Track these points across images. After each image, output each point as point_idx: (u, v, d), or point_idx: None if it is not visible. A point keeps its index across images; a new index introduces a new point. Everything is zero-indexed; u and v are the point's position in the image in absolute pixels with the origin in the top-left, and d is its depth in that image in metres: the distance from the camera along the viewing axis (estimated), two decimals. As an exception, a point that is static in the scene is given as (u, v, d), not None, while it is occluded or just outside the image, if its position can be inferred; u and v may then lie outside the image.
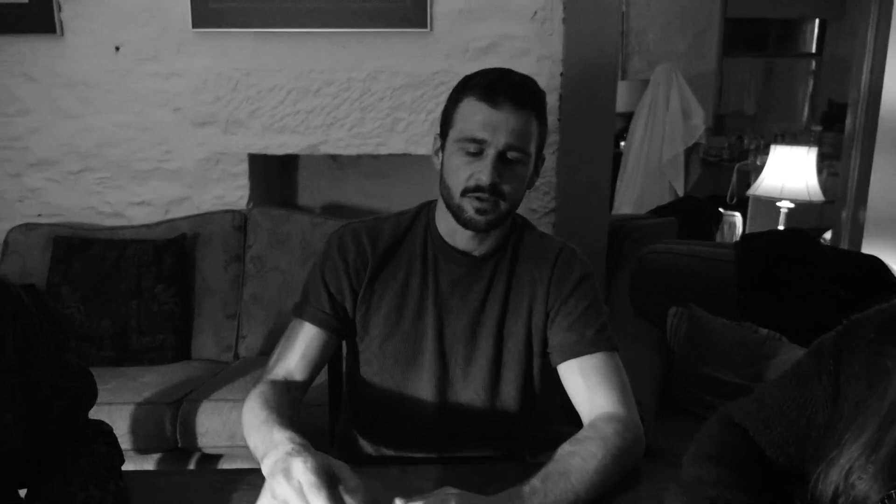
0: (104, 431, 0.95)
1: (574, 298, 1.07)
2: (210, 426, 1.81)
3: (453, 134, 1.03)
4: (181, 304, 2.24)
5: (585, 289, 1.08)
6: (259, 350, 2.27)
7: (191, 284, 2.31)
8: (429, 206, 1.15)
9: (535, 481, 0.85)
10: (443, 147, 1.07)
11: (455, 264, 1.09)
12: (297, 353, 1.07)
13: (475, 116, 1.00)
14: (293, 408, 0.98)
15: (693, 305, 2.11)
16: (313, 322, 1.08)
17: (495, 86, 1.00)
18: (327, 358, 1.12)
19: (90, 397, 0.95)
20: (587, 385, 1.01)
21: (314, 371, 1.09)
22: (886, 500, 0.69)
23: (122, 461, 0.94)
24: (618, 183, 4.66)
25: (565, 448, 0.91)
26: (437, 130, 1.10)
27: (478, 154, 1.00)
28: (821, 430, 0.78)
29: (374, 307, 1.10)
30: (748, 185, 3.81)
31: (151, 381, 1.98)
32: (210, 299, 2.30)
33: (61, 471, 0.83)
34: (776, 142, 3.64)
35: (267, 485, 0.75)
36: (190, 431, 1.82)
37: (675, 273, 2.26)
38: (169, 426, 1.83)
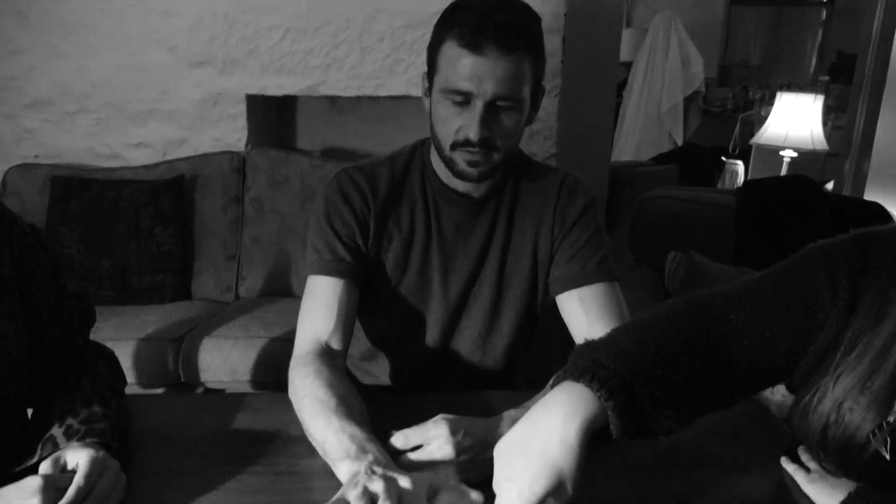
0: (105, 354, 0.96)
1: (577, 229, 1.06)
2: (212, 362, 1.83)
3: (438, 80, 0.96)
4: (180, 244, 2.25)
5: (589, 218, 1.07)
6: (259, 291, 2.28)
7: (190, 226, 2.30)
8: (422, 147, 1.11)
9: (531, 405, 0.86)
10: (430, 90, 1.00)
11: (456, 207, 1.07)
12: (329, 315, 1.00)
13: (458, 66, 0.91)
14: (356, 395, 0.90)
15: (692, 251, 2.11)
16: (335, 275, 1.02)
17: (479, 29, 0.89)
18: (356, 311, 1.05)
19: (88, 320, 0.96)
20: (587, 316, 1.02)
21: (350, 329, 1.03)
22: (878, 431, 0.70)
23: (125, 383, 0.95)
24: (616, 133, 4.62)
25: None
26: (426, 69, 1.02)
27: (465, 103, 0.93)
28: (821, 349, 0.75)
29: (382, 255, 1.07)
30: (751, 136, 3.77)
31: (153, 319, 2.00)
32: (209, 241, 2.31)
33: (64, 390, 0.84)
34: (782, 90, 3.58)
35: (342, 490, 0.69)
36: (192, 367, 1.84)
37: (675, 218, 2.25)
38: (171, 362, 1.85)
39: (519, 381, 1.22)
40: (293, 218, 2.29)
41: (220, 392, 1.85)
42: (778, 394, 1.25)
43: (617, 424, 0.66)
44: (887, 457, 0.69)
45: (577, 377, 0.69)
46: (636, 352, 0.71)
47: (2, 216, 0.84)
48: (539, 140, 2.48)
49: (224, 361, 1.83)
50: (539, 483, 0.63)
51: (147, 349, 1.85)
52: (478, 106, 0.93)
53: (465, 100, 0.94)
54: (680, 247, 2.15)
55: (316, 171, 2.31)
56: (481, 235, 1.08)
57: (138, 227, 2.20)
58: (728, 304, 0.77)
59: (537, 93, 1.01)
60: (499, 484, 0.67)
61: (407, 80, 2.42)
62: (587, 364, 0.69)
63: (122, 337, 1.84)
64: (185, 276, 2.28)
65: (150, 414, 0.96)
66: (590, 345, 0.74)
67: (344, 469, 0.74)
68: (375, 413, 0.86)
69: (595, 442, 0.68)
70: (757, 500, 0.79)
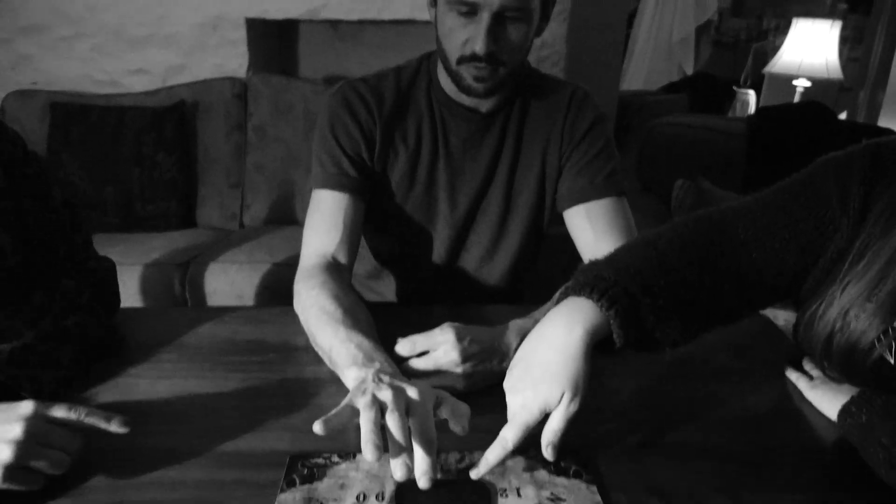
0: (92, 269, 0.94)
1: (586, 142, 1.04)
2: (218, 286, 1.84)
3: None
4: (184, 172, 2.23)
5: (598, 132, 1.04)
6: (264, 219, 2.28)
7: (193, 153, 2.28)
8: (428, 60, 1.08)
9: (538, 315, 0.87)
10: (435, 1, 0.97)
11: (463, 121, 1.04)
12: (334, 229, 0.98)
13: None
14: (362, 306, 0.89)
15: (700, 178, 2.09)
16: (340, 189, 1.00)
17: None
18: (362, 226, 1.03)
19: (75, 229, 0.94)
20: (594, 230, 1.01)
21: (356, 244, 1.01)
22: (882, 336, 0.70)
23: (115, 303, 0.95)
24: (625, 63, 4.50)
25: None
26: None
27: (471, 14, 0.90)
28: (830, 260, 0.75)
29: (388, 170, 1.06)
30: (764, 67, 3.68)
31: (158, 245, 2.00)
32: (213, 168, 2.29)
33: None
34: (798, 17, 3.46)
35: (350, 396, 0.68)
36: (198, 291, 1.86)
37: (684, 145, 2.22)
38: (178, 286, 1.87)
39: (524, 300, 1.23)
40: (297, 146, 2.26)
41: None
42: (780, 318, 1.25)
43: (619, 333, 0.66)
44: (892, 361, 0.69)
45: (578, 292, 0.69)
46: (639, 265, 0.71)
47: None
48: (547, 66, 2.42)
49: (230, 286, 1.84)
50: (541, 393, 0.64)
51: (153, 274, 1.86)
52: (484, 18, 0.90)
53: (471, 10, 0.90)
54: (688, 174, 2.12)
55: (319, 98, 2.27)
56: (489, 151, 1.06)
57: (140, 155, 2.17)
58: (736, 218, 0.76)
59: (548, 1, 0.97)
60: (507, 395, 0.68)
61: (412, 1, 2.35)
62: (588, 279, 0.69)
63: (127, 262, 1.85)
64: (189, 204, 2.27)
65: (154, 324, 0.97)
66: (593, 262, 0.74)
67: (351, 376, 0.74)
68: (381, 326, 0.86)
69: (601, 354, 0.68)
70: (761, 408, 0.80)
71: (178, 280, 1.87)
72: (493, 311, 1.00)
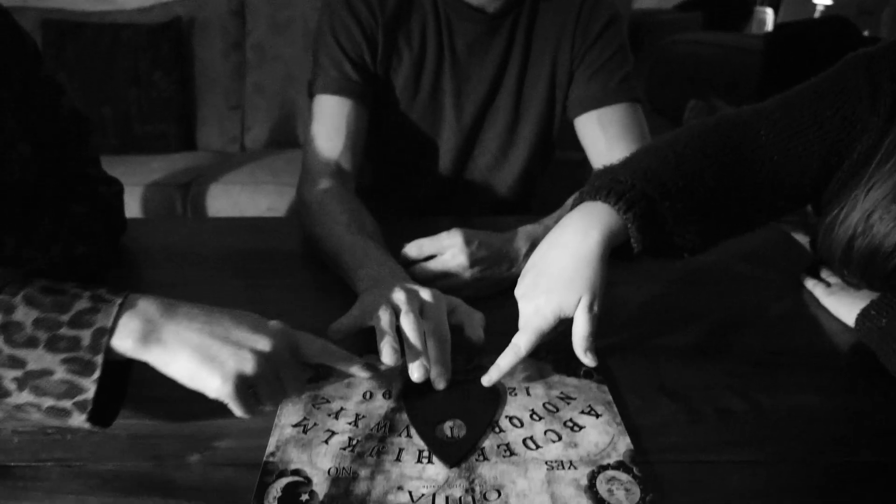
0: (101, 194, 0.90)
1: (599, 45, 0.98)
2: (220, 207, 1.82)
3: None
4: (182, 92, 2.17)
5: (612, 33, 0.99)
6: (265, 142, 2.23)
7: (190, 72, 2.22)
8: None
9: (549, 221, 0.84)
10: None
11: (469, 23, 0.99)
12: (338, 136, 0.94)
13: None
14: (368, 213, 0.86)
15: (713, 98, 2.03)
16: (342, 94, 0.95)
17: None
18: (366, 134, 0.99)
19: (83, 142, 0.91)
20: (606, 137, 0.97)
21: (360, 152, 0.97)
22: None
23: (122, 227, 0.93)
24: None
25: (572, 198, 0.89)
26: None
27: None
28: (855, 162, 0.72)
29: (391, 74, 1.01)
30: (783, -16, 3.52)
31: (158, 167, 1.97)
32: (212, 89, 2.23)
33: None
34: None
35: (361, 299, 0.67)
36: (201, 212, 1.84)
37: (698, 64, 2.14)
38: (179, 207, 1.84)
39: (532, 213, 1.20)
40: (297, 65, 2.19)
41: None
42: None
43: (637, 237, 0.64)
44: (916, 264, 0.67)
45: (593, 196, 0.65)
46: (658, 167, 0.68)
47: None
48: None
49: (233, 207, 1.81)
50: (556, 299, 0.61)
51: (154, 194, 1.84)
52: None
53: None
54: (701, 94, 2.06)
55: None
56: (496, 56, 1.01)
57: (137, 73, 2.11)
58: (759, 120, 0.73)
59: None
60: (519, 303, 0.65)
61: None
62: (604, 182, 0.66)
63: (128, 183, 1.79)
64: (188, 126, 2.22)
65: (157, 235, 0.95)
66: (608, 167, 0.70)
67: (361, 278, 0.72)
68: (387, 236, 0.83)
69: (617, 261, 0.66)
70: (776, 314, 0.78)
71: (179, 201, 1.84)
72: (501, 223, 0.98)
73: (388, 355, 0.57)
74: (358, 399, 0.60)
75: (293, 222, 0.92)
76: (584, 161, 1.04)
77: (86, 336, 0.48)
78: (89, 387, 0.47)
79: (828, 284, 0.81)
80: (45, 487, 0.50)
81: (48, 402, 0.48)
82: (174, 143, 2.17)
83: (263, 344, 0.52)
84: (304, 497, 0.49)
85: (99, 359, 0.47)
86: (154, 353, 0.49)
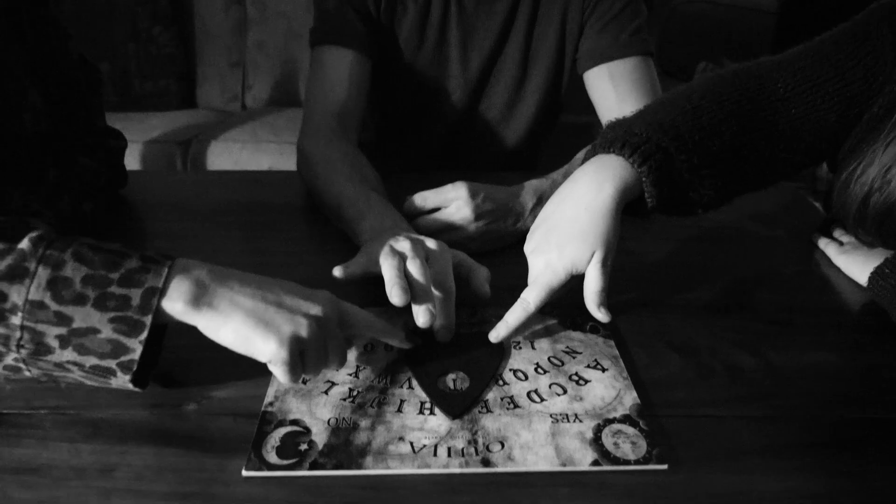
0: (106, 147, 0.88)
1: None
2: (221, 166, 1.80)
3: None
4: (181, 48, 2.13)
5: None
6: (266, 100, 2.20)
7: (190, 29, 2.17)
8: None
9: (557, 176, 0.82)
10: None
11: None
12: (339, 88, 0.91)
13: None
14: (370, 166, 0.84)
15: (724, 60, 1.98)
16: (344, 44, 0.92)
17: None
18: (368, 88, 0.96)
19: (93, 92, 0.88)
20: (616, 92, 0.94)
21: (362, 104, 0.94)
22: None
23: (123, 181, 0.90)
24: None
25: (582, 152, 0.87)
26: None
27: None
28: (875, 116, 0.69)
29: (395, 24, 0.98)
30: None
31: (158, 124, 1.94)
32: (212, 46, 2.18)
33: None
34: None
35: (366, 247, 0.65)
36: (201, 169, 1.81)
37: (710, 25, 2.09)
38: (179, 165, 1.82)
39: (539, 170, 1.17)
40: (299, 21, 2.14)
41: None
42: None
43: (651, 192, 0.61)
44: (932, 221, 0.65)
45: (607, 148, 0.63)
46: (673, 119, 0.65)
47: None
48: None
49: (234, 165, 1.79)
50: (568, 254, 0.59)
51: (154, 152, 1.81)
52: None
53: None
54: (712, 57, 2.01)
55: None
56: (505, 8, 0.97)
57: (136, 28, 2.07)
58: (777, 71, 0.70)
59: None
60: (529, 258, 0.63)
61: None
62: (618, 134, 0.63)
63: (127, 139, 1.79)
64: (189, 84, 2.18)
65: (154, 187, 0.93)
66: (621, 120, 0.68)
67: (364, 228, 0.70)
68: (390, 192, 0.81)
69: (628, 217, 0.64)
70: (787, 272, 0.77)
71: (179, 158, 1.82)
72: (506, 179, 0.95)
73: (397, 295, 0.55)
74: (359, 351, 0.59)
75: (295, 176, 0.90)
76: (588, 125, 1.01)
77: (136, 296, 0.46)
78: (136, 347, 0.46)
79: (840, 243, 0.79)
80: (37, 435, 0.49)
81: (91, 360, 0.46)
82: (174, 101, 2.13)
83: (316, 310, 0.50)
84: (303, 447, 0.48)
85: (148, 319, 0.46)
86: (206, 317, 0.47)
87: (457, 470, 0.46)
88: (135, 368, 0.46)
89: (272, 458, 0.47)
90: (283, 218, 0.85)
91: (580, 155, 0.85)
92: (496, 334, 0.60)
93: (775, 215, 0.91)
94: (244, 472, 0.45)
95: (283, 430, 0.49)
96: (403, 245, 0.61)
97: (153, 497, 0.44)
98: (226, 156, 1.79)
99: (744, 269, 0.77)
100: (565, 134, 1.19)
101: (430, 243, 0.63)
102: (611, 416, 0.51)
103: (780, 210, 0.93)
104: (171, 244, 0.78)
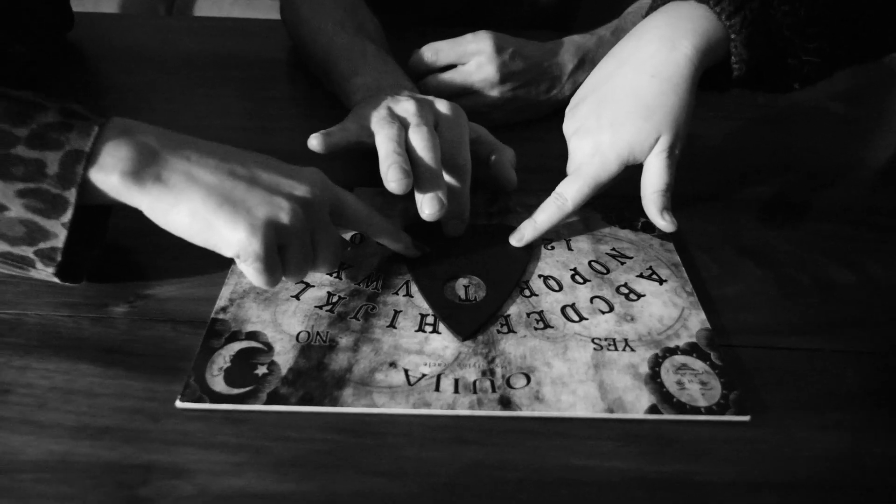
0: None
1: None
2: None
3: None
4: None
5: None
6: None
7: None
8: None
9: (604, 32, 0.65)
10: None
11: None
12: None
13: None
14: (372, 16, 0.67)
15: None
16: None
17: None
18: None
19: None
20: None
21: None
22: None
23: (66, 16, 0.74)
24: None
25: (638, 4, 0.69)
26: None
27: None
28: None
29: None
30: None
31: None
32: None
33: None
34: None
35: (356, 110, 0.50)
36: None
37: None
38: (163, 11, 1.62)
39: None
40: None
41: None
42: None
43: (741, 55, 0.45)
44: None
45: None
46: None
47: None
48: None
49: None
50: (626, 136, 0.43)
51: (135, 4, 1.61)
52: None
53: None
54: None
55: None
56: None
57: None
58: None
59: None
60: (570, 141, 0.47)
61: None
62: None
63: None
64: (176, -72, 1.93)
65: (122, 34, 0.77)
66: None
67: (356, 86, 0.55)
68: (394, 50, 0.63)
69: (702, 91, 0.47)
70: (877, 164, 0.62)
71: (163, 10, 1.62)
72: (538, 36, 0.79)
73: (395, 178, 0.40)
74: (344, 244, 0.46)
75: (279, 27, 0.74)
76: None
77: (53, 161, 0.32)
78: (58, 231, 0.33)
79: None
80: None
81: (2, 247, 0.33)
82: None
83: (302, 190, 0.36)
84: (261, 370, 0.36)
85: (72, 194, 0.32)
86: (151, 194, 0.33)
87: (466, 412, 0.34)
88: (59, 259, 0.34)
89: (218, 384, 0.35)
90: (262, 74, 0.69)
91: (636, 5, 0.68)
92: (520, 236, 0.46)
93: (861, 94, 0.75)
94: (178, 403, 0.34)
95: (236, 346, 0.37)
96: (406, 107, 0.46)
97: (53, 432, 0.32)
98: (215, 10, 1.59)
99: (825, 158, 0.62)
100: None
101: (441, 105, 0.48)
102: (672, 344, 0.39)
103: (867, 88, 0.77)
104: (121, 99, 0.63)
